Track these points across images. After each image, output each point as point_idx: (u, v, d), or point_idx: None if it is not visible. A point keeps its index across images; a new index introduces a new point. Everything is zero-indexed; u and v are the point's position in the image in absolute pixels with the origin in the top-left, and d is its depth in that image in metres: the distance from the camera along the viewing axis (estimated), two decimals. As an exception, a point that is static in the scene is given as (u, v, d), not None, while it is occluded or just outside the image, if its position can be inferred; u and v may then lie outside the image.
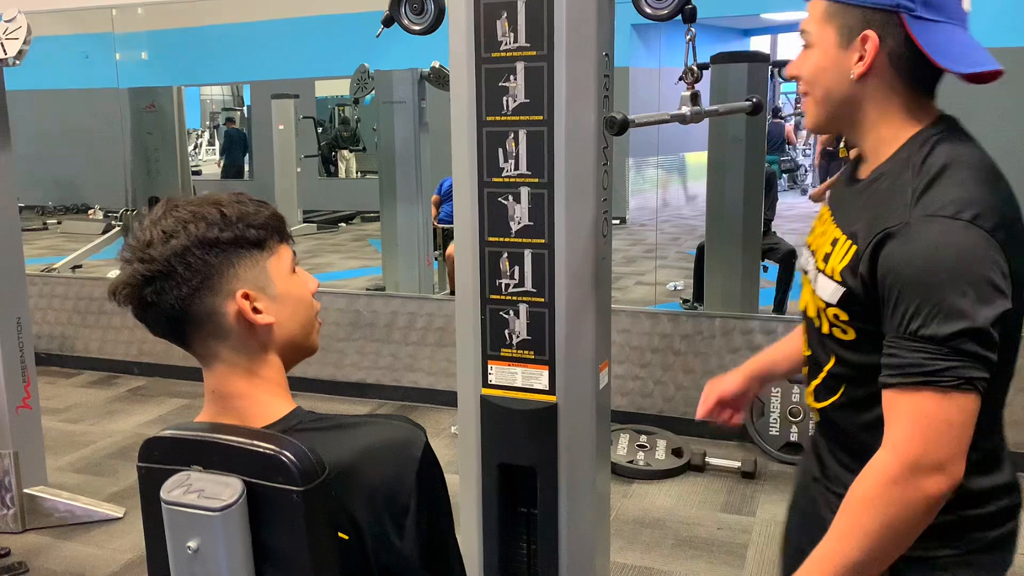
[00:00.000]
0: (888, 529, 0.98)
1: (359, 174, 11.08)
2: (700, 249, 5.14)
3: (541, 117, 1.71)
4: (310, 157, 10.33)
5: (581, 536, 1.84)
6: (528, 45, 1.69)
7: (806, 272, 1.18)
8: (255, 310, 0.95)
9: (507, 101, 1.73)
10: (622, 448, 3.41)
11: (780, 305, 5.38)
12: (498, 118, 1.74)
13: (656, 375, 3.77)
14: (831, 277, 1.08)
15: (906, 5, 1.02)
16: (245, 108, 12.34)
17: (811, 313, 1.16)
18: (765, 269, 5.25)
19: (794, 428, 3.44)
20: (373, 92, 5.48)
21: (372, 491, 0.92)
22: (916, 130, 1.07)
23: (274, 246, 0.98)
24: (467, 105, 1.76)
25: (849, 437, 1.14)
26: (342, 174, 11.26)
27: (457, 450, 1.93)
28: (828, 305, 1.09)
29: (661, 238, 9.30)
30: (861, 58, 1.05)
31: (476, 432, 1.87)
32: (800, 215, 9.36)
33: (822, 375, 1.16)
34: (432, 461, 0.98)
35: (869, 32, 1.04)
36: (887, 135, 1.09)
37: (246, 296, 0.95)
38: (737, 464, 3.31)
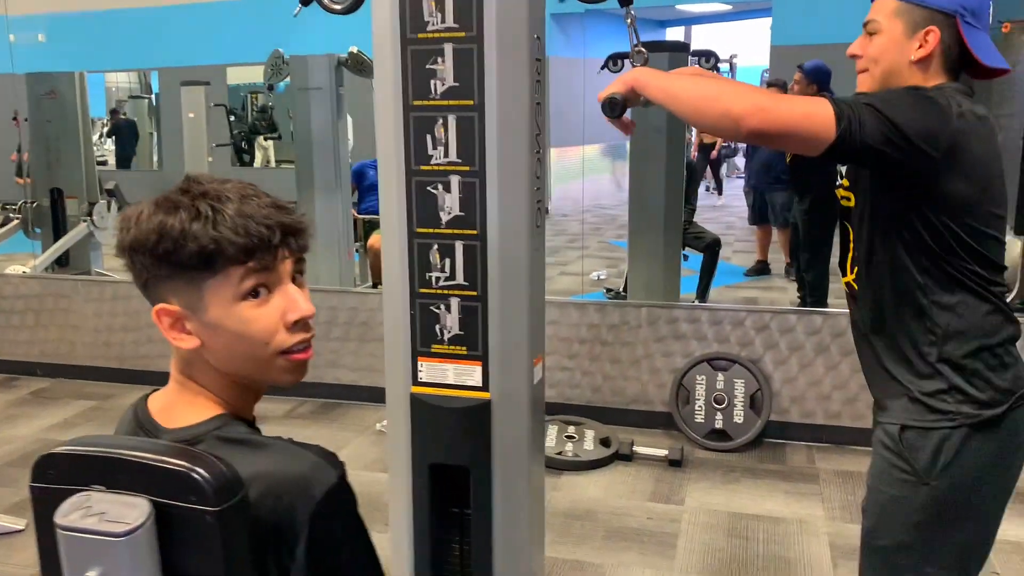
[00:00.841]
0: (709, 92, 1.35)
1: (277, 163, 10.77)
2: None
3: (471, 102, 1.64)
4: (222, 146, 9.99)
5: (516, 535, 1.78)
6: (456, 26, 1.61)
7: None
8: (182, 329, 0.90)
9: (435, 85, 1.65)
10: (551, 440, 3.38)
11: (703, 293, 5.44)
12: (426, 103, 1.66)
13: (584, 365, 3.75)
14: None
15: (962, 12, 1.34)
16: (153, 96, 11.85)
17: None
18: (685, 258, 5.31)
19: (719, 415, 3.47)
20: (288, 79, 5.30)
21: (253, 521, 0.82)
22: None
23: (221, 268, 0.88)
24: (392, 89, 1.67)
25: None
26: (258, 163, 10.92)
27: (384, 448, 1.85)
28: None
29: (583, 228, 9.34)
30: (921, 46, 1.35)
31: (406, 432, 1.79)
32: (704, 206, 9.51)
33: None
34: (339, 505, 0.87)
35: (933, 27, 1.35)
36: None
37: (164, 313, 0.90)
38: (664, 452, 3.32)
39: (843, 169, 1.54)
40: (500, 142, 1.63)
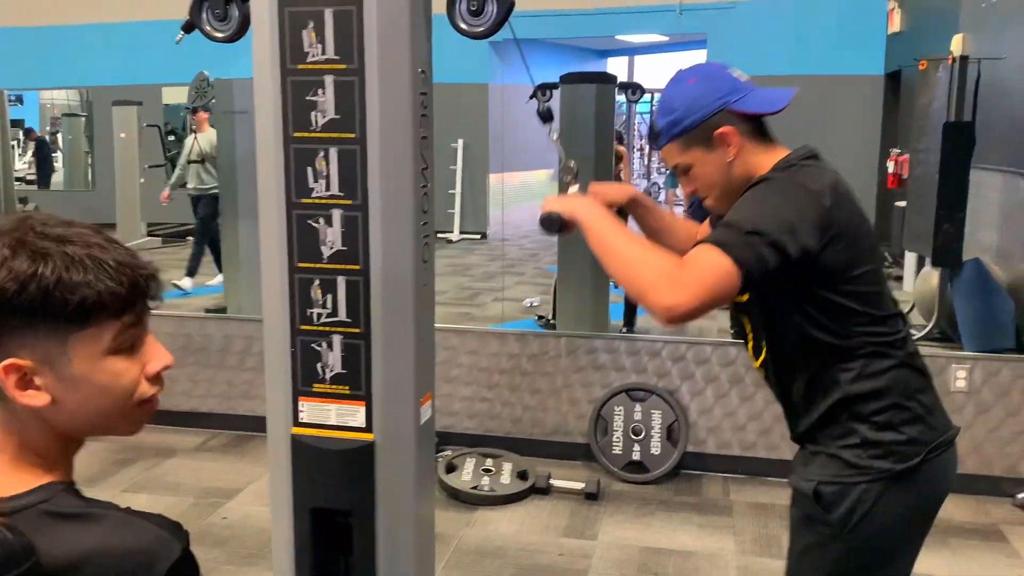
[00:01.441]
0: (631, 268, 1.33)
1: (218, 185, 10.56)
2: (560, 266, 5.15)
3: (353, 135, 1.60)
4: (155, 167, 9.78)
5: (401, 581, 1.72)
6: (337, 58, 1.57)
7: None
8: (29, 384, 0.81)
9: (316, 117, 1.61)
10: (467, 474, 3.32)
11: (630, 320, 5.46)
12: (306, 135, 1.62)
13: (504, 396, 3.70)
14: None
15: (726, 99, 1.41)
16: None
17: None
18: (616, 285, 5.32)
19: (636, 447, 3.46)
20: (213, 100, 5.21)
21: None
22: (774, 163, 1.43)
23: (95, 321, 0.81)
24: (272, 120, 1.62)
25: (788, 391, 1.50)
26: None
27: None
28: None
29: (520, 254, 9.34)
30: (729, 146, 1.42)
31: (288, 475, 1.72)
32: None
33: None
34: None
35: (723, 128, 1.41)
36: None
37: (13, 368, 0.80)
38: (581, 485, 3.28)
39: None
40: (383, 176, 1.59)
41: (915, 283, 6.54)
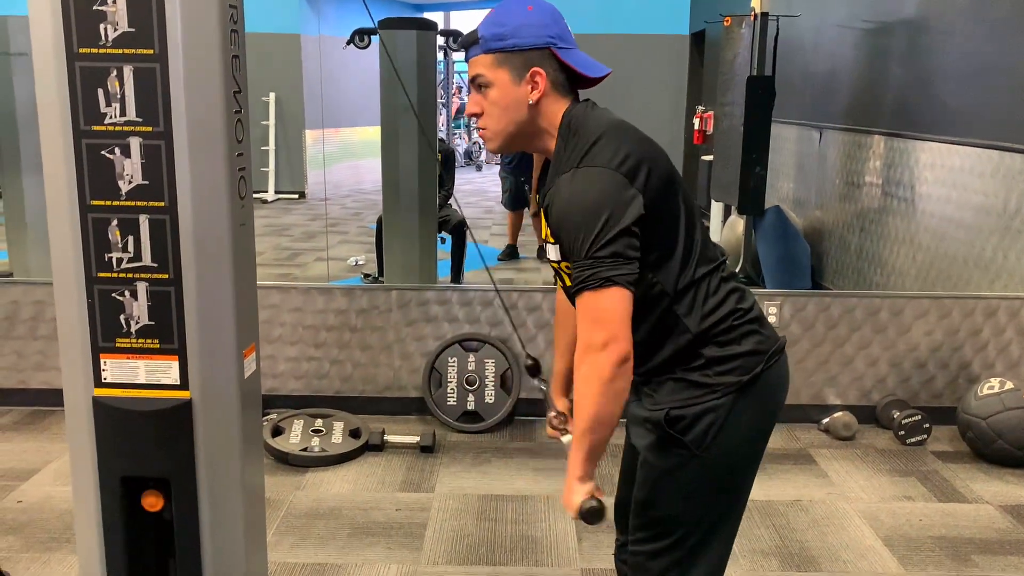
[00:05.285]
0: (595, 391, 1.28)
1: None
2: (380, 222, 5.00)
3: (151, 51, 1.40)
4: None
5: (229, 549, 1.58)
6: (128, -40, 1.36)
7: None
8: None
9: (105, 29, 1.39)
10: (295, 436, 3.15)
11: (456, 274, 5.42)
12: (95, 50, 1.40)
13: (332, 354, 3.54)
14: (550, 242, 1.41)
15: (552, 41, 1.39)
16: None
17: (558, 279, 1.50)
18: (443, 240, 5.24)
19: (471, 397, 3.42)
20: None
21: None
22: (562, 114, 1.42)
23: None
24: (51, 33, 1.40)
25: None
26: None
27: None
28: (558, 262, 1.41)
29: (343, 212, 9.05)
30: (534, 89, 1.39)
31: (91, 442, 1.52)
32: (475, 190, 9.61)
33: None
34: None
35: (537, 69, 1.39)
36: (555, 133, 1.43)
37: None
38: (416, 439, 3.21)
39: (558, 254, 1.43)
40: (189, 98, 1.41)
41: (722, 231, 6.92)
